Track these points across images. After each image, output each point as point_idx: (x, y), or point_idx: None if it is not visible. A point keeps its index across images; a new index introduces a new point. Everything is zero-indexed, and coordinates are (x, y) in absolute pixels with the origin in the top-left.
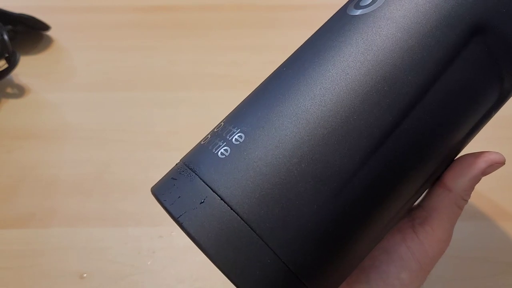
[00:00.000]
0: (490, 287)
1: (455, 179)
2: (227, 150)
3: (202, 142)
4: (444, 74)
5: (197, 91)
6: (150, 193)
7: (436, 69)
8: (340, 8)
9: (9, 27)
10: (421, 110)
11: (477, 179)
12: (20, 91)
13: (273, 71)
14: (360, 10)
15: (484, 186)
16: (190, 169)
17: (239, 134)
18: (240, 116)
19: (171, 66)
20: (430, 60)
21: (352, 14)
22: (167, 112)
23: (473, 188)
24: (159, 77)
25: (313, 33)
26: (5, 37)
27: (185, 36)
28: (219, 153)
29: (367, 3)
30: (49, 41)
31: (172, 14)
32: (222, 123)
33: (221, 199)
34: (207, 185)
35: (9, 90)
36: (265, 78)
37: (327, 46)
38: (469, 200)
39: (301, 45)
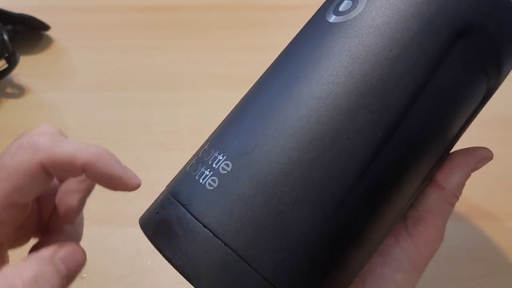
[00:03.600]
0: (488, 287)
1: (447, 177)
2: (214, 180)
3: (187, 169)
4: (431, 82)
5: (197, 91)
6: (150, 193)
7: (423, 78)
8: (318, 12)
9: (9, 27)
10: (411, 121)
11: (468, 175)
12: (20, 91)
13: (256, 81)
14: (340, 17)
15: (482, 186)
16: (179, 202)
17: (225, 162)
18: (224, 140)
19: (171, 66)
20: (417, 69)
21: (332, 21)
22: (167, 112)
23: (464, 185)
24: (159, 77)
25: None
26: (5, 37)
27: (185, 36)
28: (207, 184)
29: (347, 8)
30: (49, 41)
31: (172, 14)
32: (207, 147)
33: (214, 235)
34: (199, 221)
35: (9, 90)
36: (249, 89)
37: (310, 59)
38: (467, 201)
39: (281, 55)
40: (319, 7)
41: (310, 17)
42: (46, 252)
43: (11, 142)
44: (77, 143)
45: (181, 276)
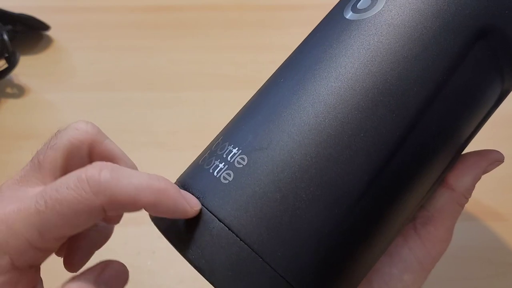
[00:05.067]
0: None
1: (458, 179)
2: (229, 174)
3: (200, 162)
4: (449, 82)
5: (197, 91)
6: None
7: (442, 77)
8: (335, 8)
9: (9, 27)
10: (428, 120)
11: (479, 177)
12: (20, 91)
13: (270, 76)
14: (359, 14)
15: (488, 187)
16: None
17: (241, 156)
18: (239, 134)
19: (171, 66)
20: (435, 69)
21: (350, 18)
22: (167, 112)
23: (474, 186)
24: (159, 77)
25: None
26: (5, 37)
27: (185, 36)
28: (222, 177)
29: (366, 6)
30: (49, 41)
31: (172, 14)
32: (220, 141)
33: (229, 229)
34: (214, 215)
35: (9, 90)
36: (263, 83)
37: (328, 56)
38: (473, 201)
39: (298, 50)
40: (319, 7)
41: (310, 17)
42: (90, 275)
43: (48, 139)
44: (138, 177)
45: (181, 276)
